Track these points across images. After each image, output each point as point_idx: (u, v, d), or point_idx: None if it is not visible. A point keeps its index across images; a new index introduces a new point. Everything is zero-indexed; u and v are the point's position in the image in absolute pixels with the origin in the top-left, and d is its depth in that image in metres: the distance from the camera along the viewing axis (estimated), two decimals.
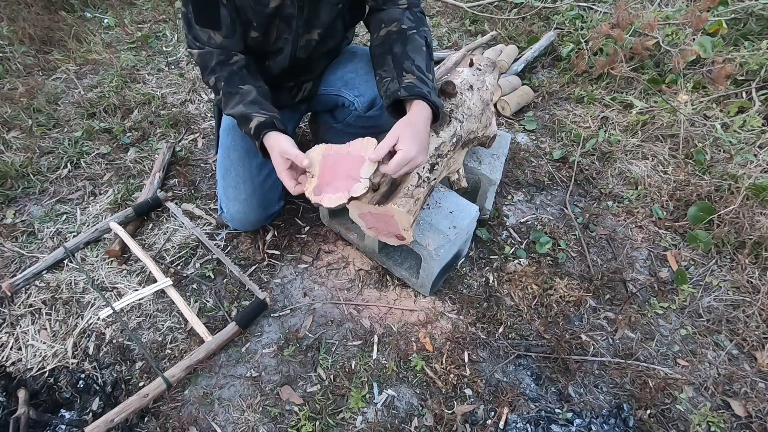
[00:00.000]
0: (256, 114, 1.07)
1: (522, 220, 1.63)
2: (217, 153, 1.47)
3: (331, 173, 1.04)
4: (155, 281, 1.39)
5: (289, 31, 1.17)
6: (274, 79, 1.34)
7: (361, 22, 1.30)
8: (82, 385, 1.18)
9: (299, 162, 1.01)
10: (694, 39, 2.24)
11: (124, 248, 1.47)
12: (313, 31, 1.20)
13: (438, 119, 1.09)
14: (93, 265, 1.44)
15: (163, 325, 1.30)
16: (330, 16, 1.19)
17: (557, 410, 1.16)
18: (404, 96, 1.04)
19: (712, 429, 1.12)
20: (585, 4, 2.74)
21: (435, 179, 1.16)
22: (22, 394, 1.11)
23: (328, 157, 1.06)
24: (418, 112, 1.03)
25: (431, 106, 1.04)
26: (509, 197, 1.71)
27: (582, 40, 2.38)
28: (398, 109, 1.10)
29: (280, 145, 1.03)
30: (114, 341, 1.26)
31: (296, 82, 1.38)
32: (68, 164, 1.77)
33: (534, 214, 1.65)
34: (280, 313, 1.33)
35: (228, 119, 1.42)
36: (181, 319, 1.31)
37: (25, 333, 1.28)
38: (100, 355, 1.24)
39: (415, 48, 1.12)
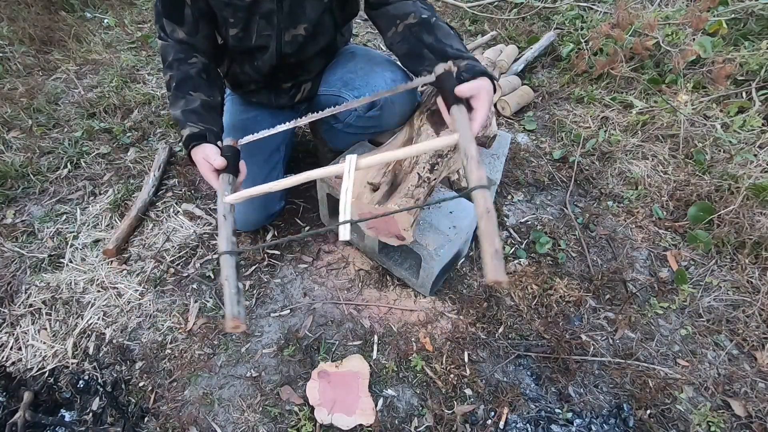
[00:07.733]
0: (191, 125, 1.06)
1: (522, 220, 1.63)
2: None
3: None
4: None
5: (270, 27, 1.17)
6: (270, 80, 1.33)
7: (371, 22, 1.29)
8: (82, 385, 1.18)
9: (216, 164, 0.98)
10: (694, 39, 2.24)
11: (120, 248, 1.47)
12: (299, 26, 1.19)
13: (495, 92, 1.01)
14: (93, 265, 1.44)
15: (163, 325, 1.30)
16: (316, 11, 1.18)
17: (557, 410, 1.16)
18: (468, 78, 0.94)
19: (712, 429, 1.12)
20: (585, 4, 2.74)
21: (435, 179, 1.16)
22: (26, 396, 1.10)
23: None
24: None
25: (492, 81, 0.97)
26: (509, 197, 1.71)
27: (582, 40, 2.38)
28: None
29: (204, 150, 1.02)
30: (114, 341, 1.27)
31: (294, 82, 1.38)
32: (68, 164, 1.77)
33: (534, 214, 1.65)
34: (280, 313, 1.33)
35: (228, 120, 1.42)
36: (181, 318, 1.31)
37: (25, 333, 1.28)
38: (100, 355, 1.24)
39: (445, 34, 1.07)
